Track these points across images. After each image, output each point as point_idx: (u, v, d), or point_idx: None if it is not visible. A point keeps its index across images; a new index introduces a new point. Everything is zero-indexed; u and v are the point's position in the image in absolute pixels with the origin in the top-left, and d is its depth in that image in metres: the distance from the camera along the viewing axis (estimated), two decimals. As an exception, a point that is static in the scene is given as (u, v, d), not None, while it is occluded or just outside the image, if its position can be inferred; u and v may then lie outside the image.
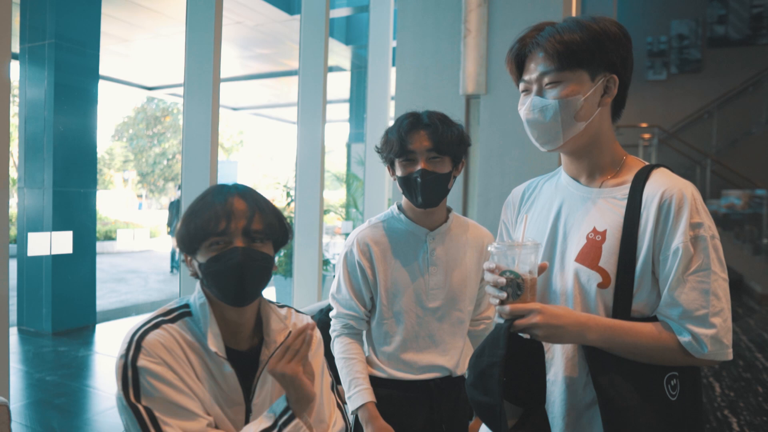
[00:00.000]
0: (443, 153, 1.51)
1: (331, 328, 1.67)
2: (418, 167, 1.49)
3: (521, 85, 1.13)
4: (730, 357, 1.00)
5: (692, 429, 1.05)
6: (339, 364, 1.61)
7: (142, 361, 1.02)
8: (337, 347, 1.64)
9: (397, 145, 1.51)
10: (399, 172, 1.55)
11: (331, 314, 1.68)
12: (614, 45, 1.06)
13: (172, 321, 1.10)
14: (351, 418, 1.62)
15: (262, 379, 1.14)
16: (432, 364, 1.58)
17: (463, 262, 1.62)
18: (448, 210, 1.67)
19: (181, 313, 1.13)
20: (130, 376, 1.01)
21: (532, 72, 1.09)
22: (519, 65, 1.13)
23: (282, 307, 1.26)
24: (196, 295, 1.14)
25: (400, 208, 1.65)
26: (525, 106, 1.10)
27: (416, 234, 1.61)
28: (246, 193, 1.12)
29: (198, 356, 1.09)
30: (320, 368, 1.26)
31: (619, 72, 1.09)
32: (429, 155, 1.50)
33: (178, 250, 1.15)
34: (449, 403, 1.62)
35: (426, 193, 1.50)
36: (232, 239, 1.07)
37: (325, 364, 1.30)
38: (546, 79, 1.07)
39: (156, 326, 1.08)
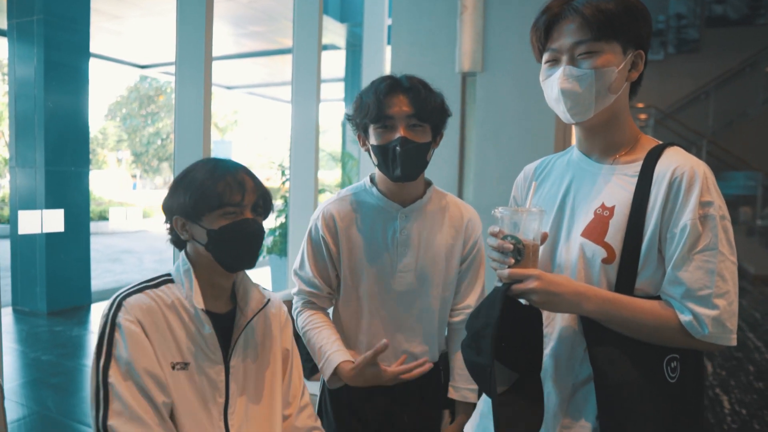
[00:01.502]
0: (424, 120, 1.36)
1: (293, 307, 1.54)
2: (397, 135, 1.34)
3: (547, 55, 1.08)
4: (734, 342, 0.98)
5: (690, 413, 1.03)
6: (305, 337, 1.48)
7: (120, 319, 1.10)
8: (300, 321, 1.51)
9: (373, 109, 1.35)
10: (374, 140, 1.38)
11: (292, 291, 1.55)
12: (643, 19, 1.05)
13: (155, 287, 1.18)
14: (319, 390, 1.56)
15: (239, 343, 1.23)
16: (397, 349, 1.45)
17: (437, 242, 1.46)
18: (428, 184, 1.51)
19: (164, 279, 1.21)
20: (108, 330, 1.10)
21: (564, 40, 1.05)
22: (546, 34, 1.08)
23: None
24: (180, 263, 1.22)
25: (372, 180, 1.49)
26: (558, 75, 1.05)
27: (387, 210, 1.45)
28: (249, 171, 1.21)
29: (179, 318, 1.17)
30: (290, 344, 1.37)
31: (645, 48, 1.07)
32: (409, 122, 1.35)
33: (165, 215, 1.22)
34: (415, 393, 1.47)
35: (405, 164, 1.35)
36: (243, 211, 1.17)
37: (293, 341, 1.39)
38: (581, 49, 1.03)
39: (139, 291, 1.16)
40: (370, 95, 1.37)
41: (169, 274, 1.22)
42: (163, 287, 1.19)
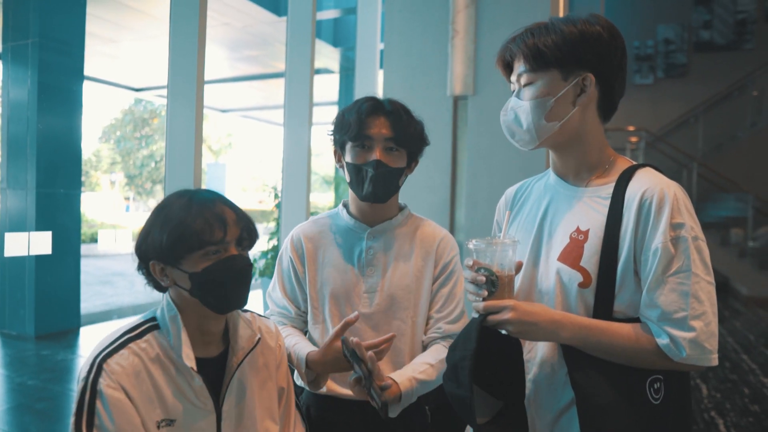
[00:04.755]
0: (401, 145, 1.38)
1: None
2: (373, 157, 1.35)
3: (510, 86, 1.15)
4: (715, 363, 0.97)
5: None
6: None
7: (102, 386, 1.00)
8: None
9: (354, 128, 1.36)
10: (349, 158, 1.39)
11: (266, 313, 1.52)
12: (589, 44, 1.05)
13: (139, 336, 1.08)
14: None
15: (231, 387, 1.13)
16: None
17: (406, 264, 1.43)
18: (401, 208, 1.50)
19: (149, 327, 1.10)
20: (87, 398, 1.00)
21: (515, 72, 1.12)
22: (508, 66, 1.15)
23: (245, 311, 1.25)
24: (165, 308, 1.11)
25: (345, 205, 1.50)
26: (503, 108, 1.14)
27: (356, 230, 1.45)
28: (227, 201, 1.12)
29: (165, 373, 1.07)
30: (286, 382, 1.27)
31: (597, 70, 1.06)
32: (386, 145, 1.36)
33: (140, 260, 1.10)
34: (394, 427, 1.35)
35: (376, 186, 1.36)
36: (227, 248, 1.07)
37: (289, 378, 1.30)
38: (523, 80, 1.09)
39: (121, 346, 1.05)
40: (353, 113, 1.39)
41: (154, 318, 1.12)
42: (147, 336, 1.08)
